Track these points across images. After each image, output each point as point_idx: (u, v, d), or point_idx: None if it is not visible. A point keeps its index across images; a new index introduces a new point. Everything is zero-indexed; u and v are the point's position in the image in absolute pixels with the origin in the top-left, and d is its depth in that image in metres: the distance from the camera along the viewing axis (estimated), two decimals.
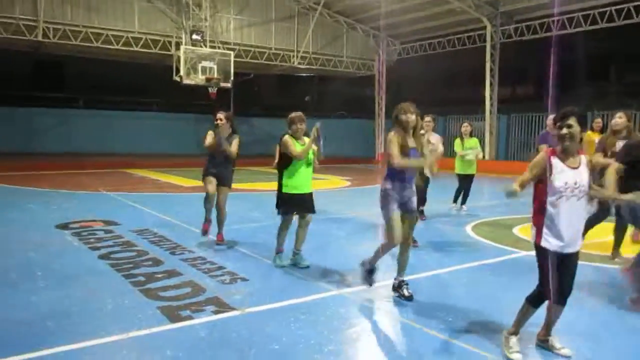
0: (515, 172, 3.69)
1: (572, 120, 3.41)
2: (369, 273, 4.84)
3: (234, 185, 7.05)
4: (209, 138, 6.69)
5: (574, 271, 3.59)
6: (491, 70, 20.52)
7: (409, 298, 4.72)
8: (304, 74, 26.65)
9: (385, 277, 5.38)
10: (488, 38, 20.35)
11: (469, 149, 9.91)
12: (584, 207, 3.53)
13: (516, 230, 8.17)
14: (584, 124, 3.47)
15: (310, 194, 5.78)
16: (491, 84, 20.63)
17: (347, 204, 11.14)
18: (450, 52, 22.72)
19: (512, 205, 11.11)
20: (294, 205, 5.71)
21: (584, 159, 3.53)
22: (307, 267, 5.75)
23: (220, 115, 6.77)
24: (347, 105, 30.16)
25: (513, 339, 3.63)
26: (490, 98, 20.69)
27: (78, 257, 6.08)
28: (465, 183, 10.08)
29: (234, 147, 6.68)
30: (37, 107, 23.05)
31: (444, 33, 22.39)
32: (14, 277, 5.26)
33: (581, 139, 3.47)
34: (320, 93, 33.20)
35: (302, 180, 5.66)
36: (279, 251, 5.92)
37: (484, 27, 20.38)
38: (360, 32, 23.77)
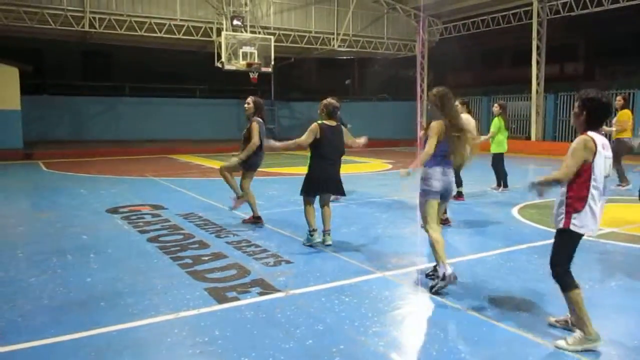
0: (564, 153, 3.57)
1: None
2: None
3: (275, 169, 7.13)
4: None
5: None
6: (538, 48, 19.82)
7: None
8: (345, 57, 26.44)
9: (431, 259, 5.36)
10: (534, 14, 19.61)
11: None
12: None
13: None
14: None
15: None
16: (538, 62, 19.93)
17: (390, 186, 11.07)
18: (494, 31, 22.03)
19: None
20: None
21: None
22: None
23: (249, 99, 7.03)
24: (388, 88, 29.82)
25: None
26: (537, 77, 20.02)
27: (128, 240, 6.28)
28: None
29: (254, 137, 6.79)
30: (85, 96, 23.79)
31: (487, 11, 21.68)
32: (70, 259, 5.49)
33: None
34: (361, 76, 32.94)
35: None
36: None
37: (530, 4, 19.64)
38: (401, 13, 23.33)
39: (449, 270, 4.41)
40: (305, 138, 5.83)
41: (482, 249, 6.00)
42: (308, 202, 5.99)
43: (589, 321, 3.42)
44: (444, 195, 4.68)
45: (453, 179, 4.77)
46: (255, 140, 6.76)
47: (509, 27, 21.21)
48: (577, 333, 3.45)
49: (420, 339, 3.70)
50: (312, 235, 5.96)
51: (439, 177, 4.56)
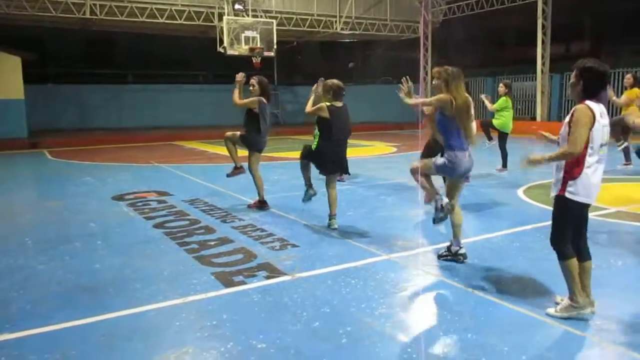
0: None
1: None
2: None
3: (280, 154, 7.14)
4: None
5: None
6: (543, 27, 19.58)
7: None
8: (347, 40, 26.17)
9: (436, 241, 5.37)
10: None
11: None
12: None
13: None
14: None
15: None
16: (543, 41, 19.71)
17: (395, 169, 11.04)
18: (499, 10, 21.74)
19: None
20: None
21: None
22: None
23: (253, 80, 6.99)
24: (391, 70, 29.57)
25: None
26: (542, 57, 19.81)
27: (134, 227, 6.32)
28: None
29: (244, 100, 6.88)
30: (89, 84, 23.72)
31: None
32: (78, 246, 5.53)
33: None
34: (364, 59, 32.69)
35: None
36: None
37: None
38: None
39: (444, 201, 4.62)
40: (316, 108, 5.94)
41: (488, 230, 6.00)
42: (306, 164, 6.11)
43: (578, 290, 3.50)
44: (464, 174, 4.78)
45: (473, 161, 4.78)
46: (240, 103, 6.86)
47: (514, 7, 20.92)
48: (565, 301, 3.56)
49: (426, 320, 3.71)
50: (308, 190, 6.16)
51: (465, 163, 4.61)
